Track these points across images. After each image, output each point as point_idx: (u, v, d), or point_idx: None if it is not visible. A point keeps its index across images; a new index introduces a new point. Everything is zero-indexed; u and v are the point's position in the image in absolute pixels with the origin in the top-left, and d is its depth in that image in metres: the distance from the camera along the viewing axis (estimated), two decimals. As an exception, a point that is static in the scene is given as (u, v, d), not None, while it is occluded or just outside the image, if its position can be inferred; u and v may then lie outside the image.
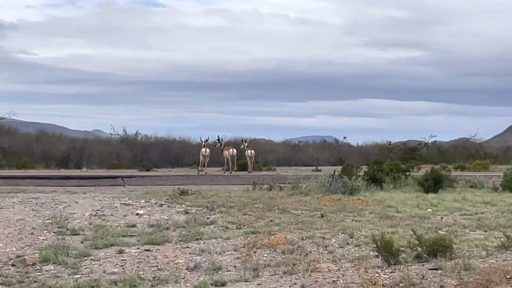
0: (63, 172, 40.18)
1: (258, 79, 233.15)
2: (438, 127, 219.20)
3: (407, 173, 32.16)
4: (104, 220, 17.26)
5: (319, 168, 47.84)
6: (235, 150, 39.55)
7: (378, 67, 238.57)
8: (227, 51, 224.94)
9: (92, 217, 17.71)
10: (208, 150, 39.66)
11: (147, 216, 18.13)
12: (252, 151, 40.82)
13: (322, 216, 17.48)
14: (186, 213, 18.70)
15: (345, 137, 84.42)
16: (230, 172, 38.19)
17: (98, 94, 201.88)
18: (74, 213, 18.63)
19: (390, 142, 72.55)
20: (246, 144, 40.83)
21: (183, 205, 20.66)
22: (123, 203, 21.34)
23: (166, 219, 17.34)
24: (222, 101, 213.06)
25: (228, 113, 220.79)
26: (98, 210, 19.40)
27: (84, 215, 18.23)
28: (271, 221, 16.86)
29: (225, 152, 39.51)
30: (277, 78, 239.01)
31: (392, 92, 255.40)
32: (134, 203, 21.40)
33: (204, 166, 39.27)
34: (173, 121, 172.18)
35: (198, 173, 37.92)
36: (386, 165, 31.83)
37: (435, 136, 75.23)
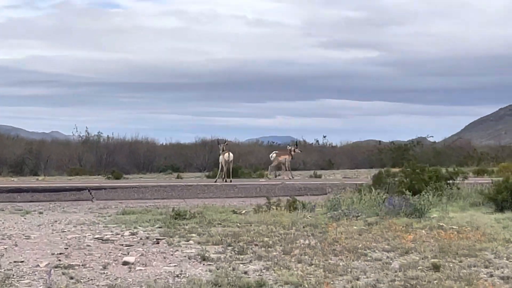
0: (15, 182, 32.95)
1: (217, 79, 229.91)
2: (395, 127, 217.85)
3: (452, 182, 25.48)
4: (72, 278, 10.20)
5: (318, 173, 40.91)
6: (231, 155, 32.31)
7: (336, 68, 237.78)
8: (185, 52, 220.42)
9: (52, 271, 10.61)
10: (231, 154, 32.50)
11: (142, 267, 11.10)
12: (231, 154, 33.36)
13: (436, 267, 10.59)
14: (203, 259, 11.68)
15: (325, 137, 78.03)
16: (224, 181, 31.16)
17: (56, 96, 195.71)
18: (22, 261, 11.55)
19: (380, 141, 66.35)
20: (223, 146, 33.09)
21: (191, 241, 13.65)
22: (98, 238, 14.29)
23: (177, 275, 10.37)
24: (181, 102, 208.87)
25: (187, 113, 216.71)
26: (61, 253, 12.34)
27: (39, 266, 11.15)
28: (358, 279, 9.97)
29: (220, 157, 32.42)
30: (236, 79, 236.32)
31: (350, 92, 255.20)
32: (115, 237, 14.37)
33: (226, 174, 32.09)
34: (132, 123, 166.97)
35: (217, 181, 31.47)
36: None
37: (432, 136, 69.23)
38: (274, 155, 36.50)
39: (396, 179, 24.53)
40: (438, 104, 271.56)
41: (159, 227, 15.99)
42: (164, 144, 65.15)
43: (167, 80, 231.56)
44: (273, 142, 73.32)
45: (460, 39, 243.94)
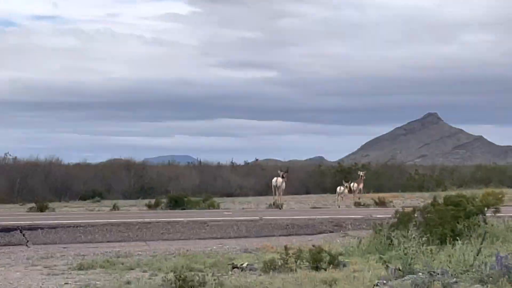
0: None
1: (115, 99, 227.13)
2: (293, 146, 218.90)
3: (482, 218, 20.63)
4: None
5: (279, 201, 35.33)
6: (279, 180, 33.78)
7: (234, 87, 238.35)
8: (82, 71, 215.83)
9: None
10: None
11: None
12: (279, 179, 34.83)
13: None
14: None
15: (257, 159, 72.73)
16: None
17: None
18: None
19: (320, 165, 61.77)
20: (282, 173, 34.54)
21: None
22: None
23: None
24: (78, 121, 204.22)
25: (84, 133, 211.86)
26: None
27: None
28: None
29: None
30: (133, 98, 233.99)
31: (248, 111, 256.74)
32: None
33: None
34: (29, 142, 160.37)
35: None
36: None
37: (368, 155, 65.10)
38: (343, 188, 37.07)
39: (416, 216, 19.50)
40: (335, 124, 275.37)
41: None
42: (79, 165, 58.91)
43: (64, 99, 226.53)
44: (197, 160, 67.40)
45: (356, 60, 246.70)
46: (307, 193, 54.91)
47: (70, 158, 60.75)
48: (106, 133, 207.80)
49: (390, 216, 22.95)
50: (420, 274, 11.84)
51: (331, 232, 21.99)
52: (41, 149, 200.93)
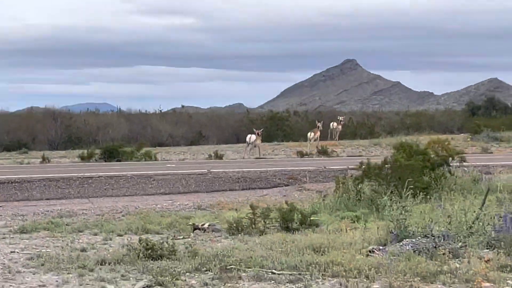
0: None
1: (32, 46, 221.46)
2: (213, 93, 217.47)
3: (447, 169, 19.70)
4: None
5: (216, 151, 33.65)
6: (253, 136, 32.46)
7: (153, 34, 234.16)
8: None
9: None
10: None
11: None
12: (252, 136, 32.99)
13: None
14: None
15: (183, 106, 70.93)
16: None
17: None
18: None
19: (247, 109, 60.08)
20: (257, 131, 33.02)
21: None
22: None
23: None
24: None
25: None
26: None
27: None
28: None
29: None
30: (51, 45, 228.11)
31: (167, 58, 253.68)
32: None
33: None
34: None
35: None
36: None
37: (304, 104, 63.75)
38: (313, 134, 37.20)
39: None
40: (254, 71, 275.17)
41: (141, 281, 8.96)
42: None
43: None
44: (117, 108, 65.22)
45: (274, 7, 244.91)
46: (238, 142, 53.19)
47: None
48: (22, 80, 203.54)
49: (345, 167, 21.87)
50: (419, 237, 10.55)
51: (286, 185, 20.66)
52: None
